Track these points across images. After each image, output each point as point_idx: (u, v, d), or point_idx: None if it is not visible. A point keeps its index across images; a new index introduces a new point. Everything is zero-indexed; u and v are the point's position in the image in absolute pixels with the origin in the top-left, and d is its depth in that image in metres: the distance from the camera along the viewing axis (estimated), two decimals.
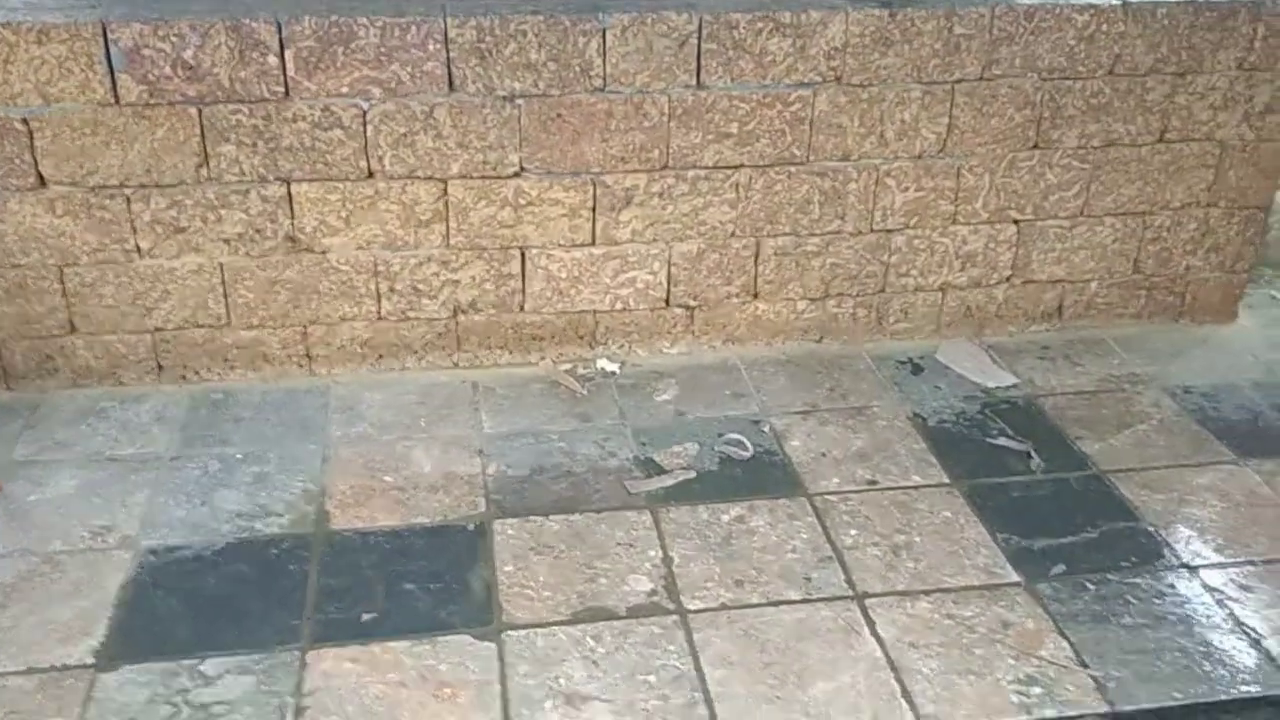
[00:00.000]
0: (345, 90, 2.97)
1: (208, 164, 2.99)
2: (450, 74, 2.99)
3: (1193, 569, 2.60)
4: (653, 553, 2.62)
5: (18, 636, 2.33)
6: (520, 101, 3.05)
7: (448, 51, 2.96)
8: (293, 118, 2.98)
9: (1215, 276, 3.62)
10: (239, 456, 2.93)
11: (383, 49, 2.94)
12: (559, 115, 3.08)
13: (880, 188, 3.31)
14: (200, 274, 3.12)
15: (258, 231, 3.09)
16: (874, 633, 2.40)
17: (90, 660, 2.27)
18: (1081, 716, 2.22)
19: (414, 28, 2.93)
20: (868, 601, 2.48)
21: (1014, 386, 3.32)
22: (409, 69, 2.97)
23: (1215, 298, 3.65)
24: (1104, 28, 3.21)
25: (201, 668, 2.26)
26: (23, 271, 3.03)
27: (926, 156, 3.30)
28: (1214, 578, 2.57)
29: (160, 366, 3.21)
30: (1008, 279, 3.52)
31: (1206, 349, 3.54)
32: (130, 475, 2.84)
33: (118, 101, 2.89)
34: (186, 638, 2.34)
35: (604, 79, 3.05)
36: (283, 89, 2.94)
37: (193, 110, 2.93)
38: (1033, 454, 3.00)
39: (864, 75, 3.16)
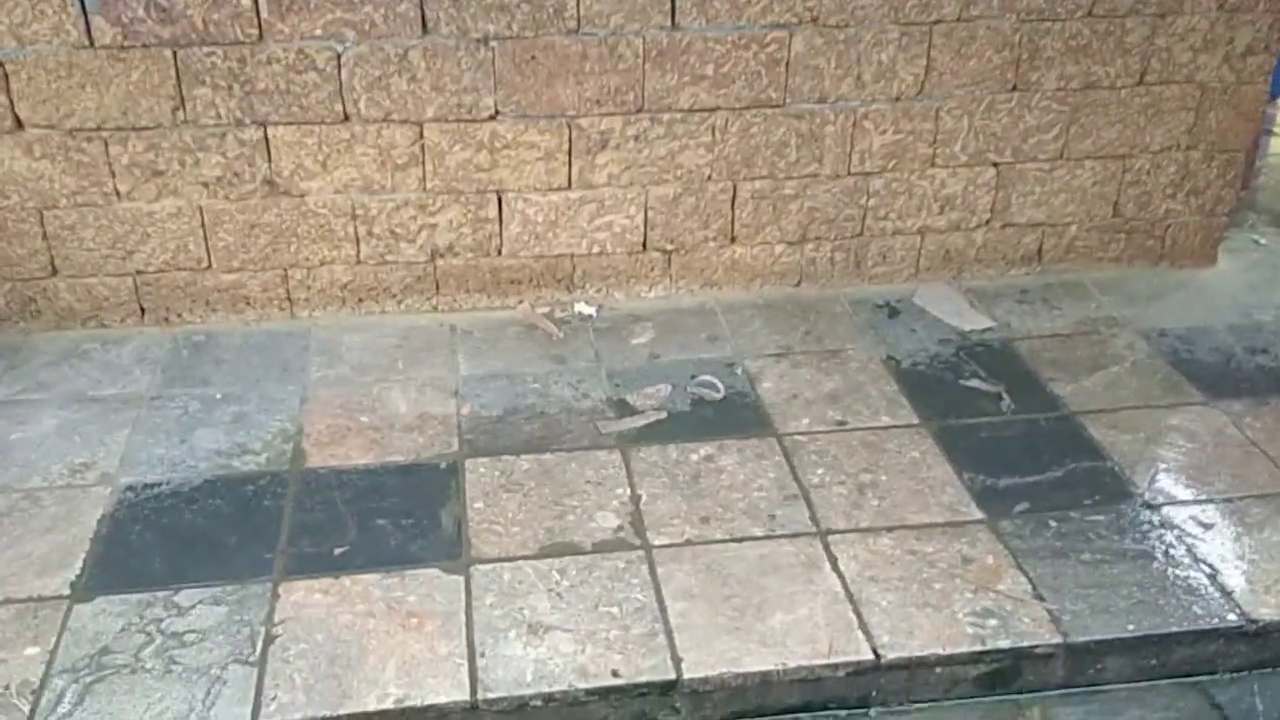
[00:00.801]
0: (319, 32, 2.97)
1: (184, 107, 3.01)
2: (424, 16, 2.99)
3: (1155, 507, 2.63)
4: (621, 491, 2.66)
5: None
6: (494, 44, 3.05)
7: None
8: (267, 60, 2.98)
9: (1195, 220, 3.62)
10: (219, 397, 2.97)
11: None
12: (533, 58, 3.08)
13: (858, 130, 3.31)
14: (180, 217, 3.14)
15: (236, 175, 3.11)
16: (835, 568, 2.44)
17: (66, 591, 2.33)
18: (1035, 647, 2.27)
19: None
20: (830, 538, 2.52)
21: (990, 329, 3.34)
22: (382, 11, 2.97)
23: (1195, 241, 3.65)
24: None
25: (175, 599, 2.32)
26: (3, 214, 3.06)
27: (905, 98, 3.29)
28: (1176, 515, 2.60)
29: (142, 309, 3.25)
30: (987, 222, 3.52)
31: (1185, 292, 3.55)
32: (111, 415, 2.88)
33: (92, 44, 2.90)
34: (162, 570, 2.40)
35: (578, 20, 3.05)
36: (256, 31, 2.95)
37: (167, 53, 2.94)
38: (1004, 395, 3.02)
39: (841, 16, 3.15)
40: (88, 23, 2.87)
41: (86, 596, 2.32)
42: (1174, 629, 2.31)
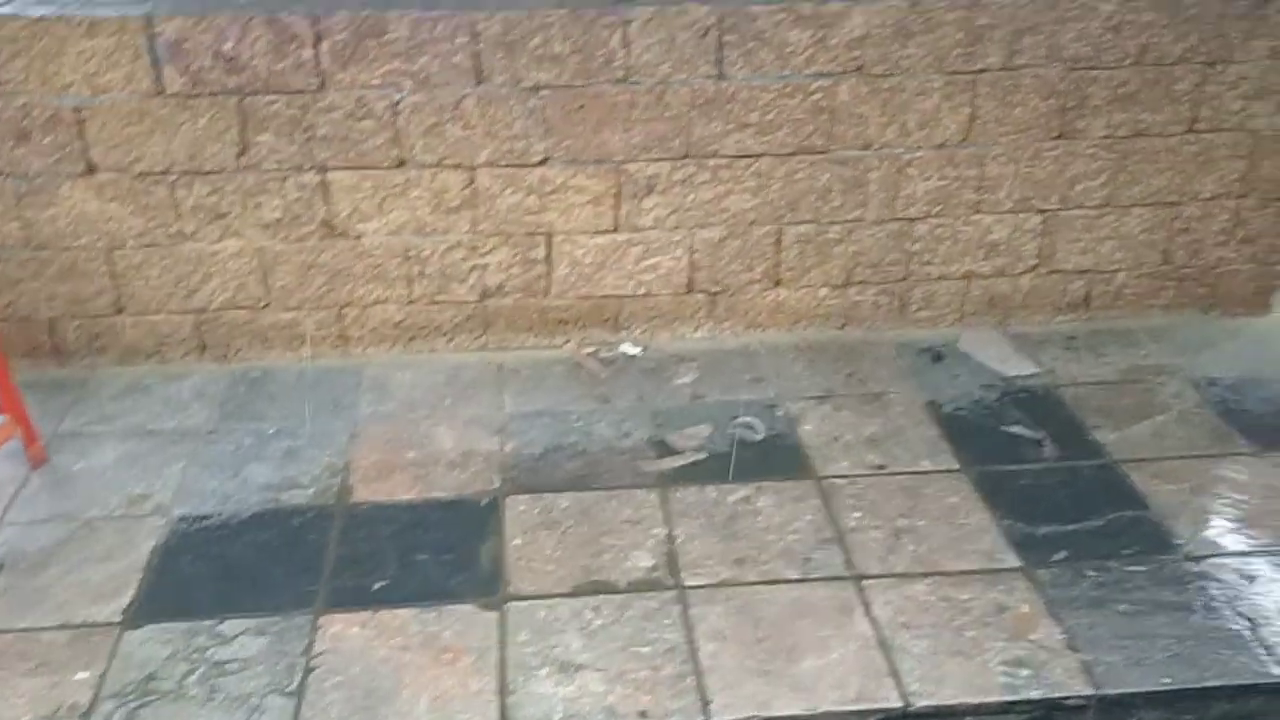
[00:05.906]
0: (377, 82, 3.08)
1: (247, 152, 3.13)
2: (478, 66, 3.09)
3: (1197, 558, 2.60)
4: (657, 530, 2.69)
5: (54, 595, 2.49)
6: (545, 93, 3.13)
7: (476, 44, 3.06)
8: (328, 108, 3.10)
9: (1248, 268, 3.57)
10: (272, 432, 3.07)
11: (413, 42, 3.04)
12: (582, 106, 3.16)
13: (902, 176, 3.34)
14: (240, 257, 3.26)
15: (295, 217, 3.22)
16: (868, 613, 2.44)
17: (118, 618, 2.42)
18: (1066, 699, 2.25)
19: (443, 21, 3.03)
20: (865, 583, 2.53)
21: (1034, 375, 3.33)
22: (438, 61, 3.07)
23: (1248, 290, 3.60)
24: (1130, 17, 3.19)
25: (220, 628, 2.40)
26: (74, 253, 3.21)
27: (949, 146, 3.31)
28: (1218, 567, 2.57)
29: (203, 345, 3.37)
30: (1033, 268, 3.52)
31: (1236, 341, 3.50)
32: (168, 448, 2.99)
33: (162, 92, 3.04)
34: (209, 600, 2.48)
35: (626, 70, 3.13)
36: (318, 80, 3.07)
37: (233, 101, 3.06)
38: (1044, 443, 3.01)
39: (885, 65, 3.19)
40: (158, 72, 3.01)
41: (137, 624, 2.41)
42: (1212, 683, 2.28)
